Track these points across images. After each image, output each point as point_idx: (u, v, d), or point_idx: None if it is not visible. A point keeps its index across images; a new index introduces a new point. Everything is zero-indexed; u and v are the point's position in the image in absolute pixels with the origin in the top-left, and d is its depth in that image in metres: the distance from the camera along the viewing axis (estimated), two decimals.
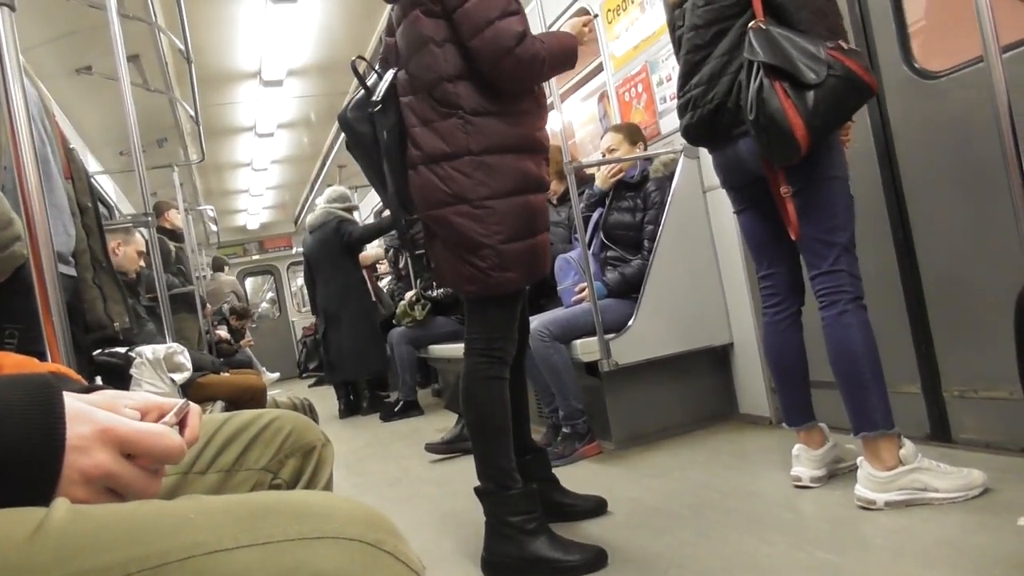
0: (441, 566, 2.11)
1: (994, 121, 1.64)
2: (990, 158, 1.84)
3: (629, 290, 3.23)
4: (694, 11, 2.15)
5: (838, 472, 2.27)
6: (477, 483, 2.02)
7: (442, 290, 5.10)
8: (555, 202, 3.87)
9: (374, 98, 2.02)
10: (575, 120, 5.51)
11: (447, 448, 3.65)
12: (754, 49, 1.94)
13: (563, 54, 1.98)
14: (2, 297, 1.52)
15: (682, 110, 2.26)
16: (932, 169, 2.36)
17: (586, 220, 3.39)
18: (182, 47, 4.19)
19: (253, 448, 0.96)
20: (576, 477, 2.65)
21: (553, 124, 3.59)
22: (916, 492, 1.94)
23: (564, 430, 3.15)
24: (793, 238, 2.10)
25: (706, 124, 2.18)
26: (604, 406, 3.23)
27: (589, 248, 3.24)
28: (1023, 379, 1.30)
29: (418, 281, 5.54)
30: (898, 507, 1.93)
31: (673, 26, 2.31)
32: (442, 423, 4.37)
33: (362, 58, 2.12)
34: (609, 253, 3.36)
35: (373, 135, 2.02)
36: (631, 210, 3.35)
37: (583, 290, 3.24)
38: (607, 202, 3.41)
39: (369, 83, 2.07)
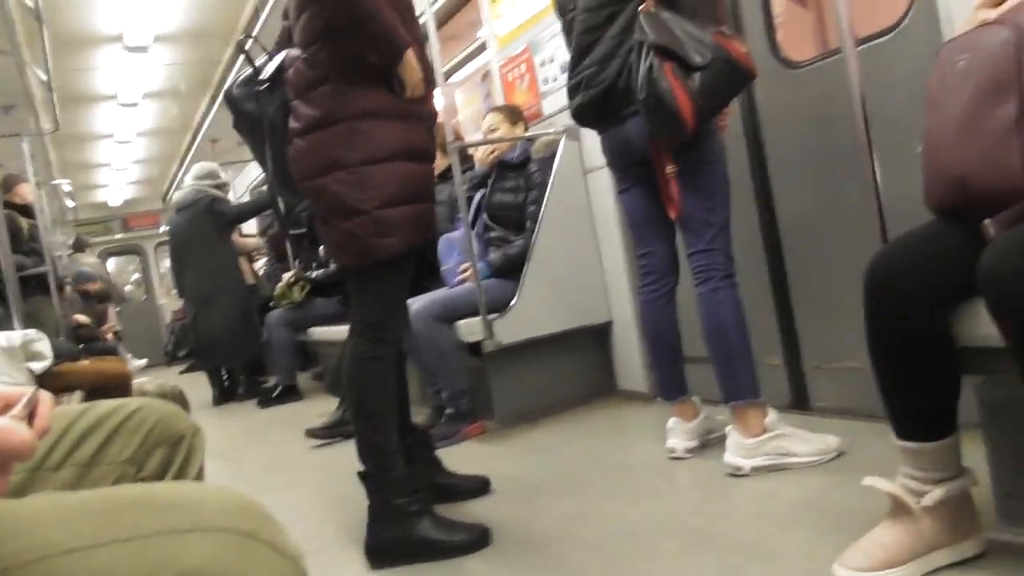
0: (324, 553, 2.08)
1: (848, 109, 1.75)
2: (846, 144, 1.95)
3: (512, 270, 3.25)
4: None
5: (709, 442, 2.37)
6: (358, 466, 1.99)
7: (322, 271, 4.98)
8: (436, 180, 3.83)
9: (261, 76, 1.96)
10: (459, 100, 5.49)
11: (328, 433, 3.58)
12: (644, 31, 1.99)
13: (390, 36, 1.85)
14: None
15: (573, 90, 2.28)
16: (795, 154, 2.49)
17: (469, 201, 3.38)
18: (31, 3, 3.85)
19: (115, 440, 0.91)
20: (460, 457, 2.66)
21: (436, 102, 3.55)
22: (779, 457, 2.06)
23: (448, 411, 3.15)
24: (673, 217, 2.17)
25: (597, 104, 2.20)
26: (487, 386, 3.25)
27: (472, 228, 3.24)
28: (871, 350, 1.39)
29: (297, 261, 5.39)
30: (763, 472, 2.05)
31: (563, 8, 2.33)
32: (323, 408, 4.28)
33: (251, 37, 2.06)
34: (492, 233, 3.37)
35: (259, 114, 1.97)
36: (514, 190, 3.36)
37: (466, 270, 3.24)
38: (490, 182, 3.42)
39: (259, 64, 2.01)
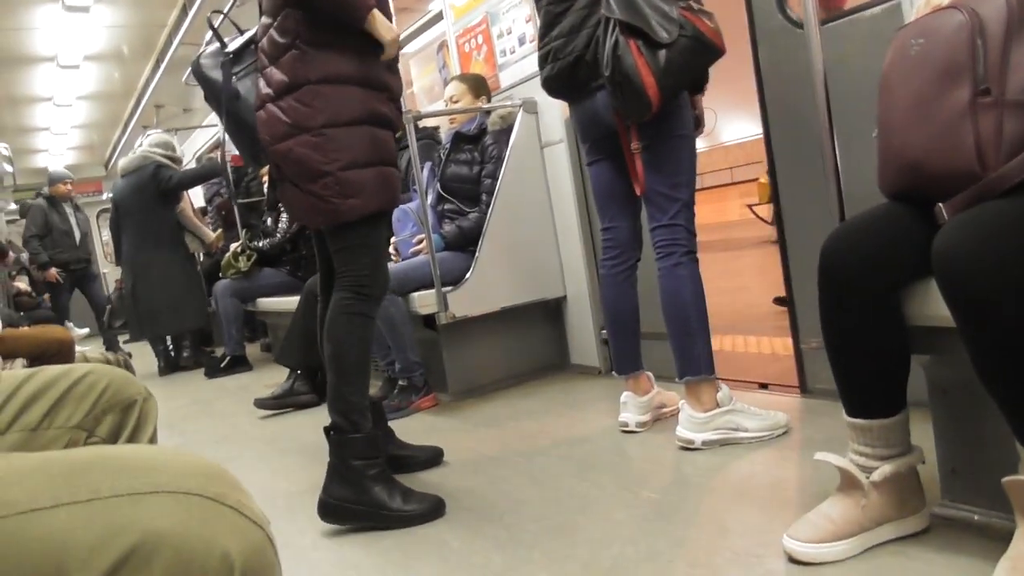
0: (273, 525, 2.03)
1: (812, 89, 1.74)
2: (850, 107, 1.91)
3: (466, 243, 3.23)
4: None
5: (661, 417, 2.41)
6: (308, 437, 1.98)
7: (268, 240, 4.89)
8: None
9: (228, 49, 2.00)
10: (414, 71, 5.40)
11: (277, 404, 3.54)
12: (611, 6, 1.97)
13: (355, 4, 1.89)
14: None
15: (542, 61, 2.26)
16: (797, 116, 2.37)
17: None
18: None
19: (64, 405, 0.88)
20: (413, 429, 2.65)
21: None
22: (730, 432, 2.10)
23: (401, 383, 3.14)
24: (638, 193, 2.18)
25: (565, 76, 2.18)
26: (441, 358, 3.24)
27: (427, 200, 3.21)
28: (823, 329, 1.42)
29: (244, 231, 5.28)
30: (713, 446, 2.09)
31: None
32: (272, 378, 4.22)
33: (219, 12, 2.11)
34: (446, 206, 3.34)
35: (223, 86, 2.00)
36: (468, 163, 3.33)
37: (421, 242, 3.21)
38: (444, 154, 3.38)
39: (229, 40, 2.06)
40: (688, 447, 2.11)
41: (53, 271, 6.70)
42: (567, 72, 2.17)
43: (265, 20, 1.97)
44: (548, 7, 2.20)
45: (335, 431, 1.96)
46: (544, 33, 2.23)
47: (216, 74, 2.02)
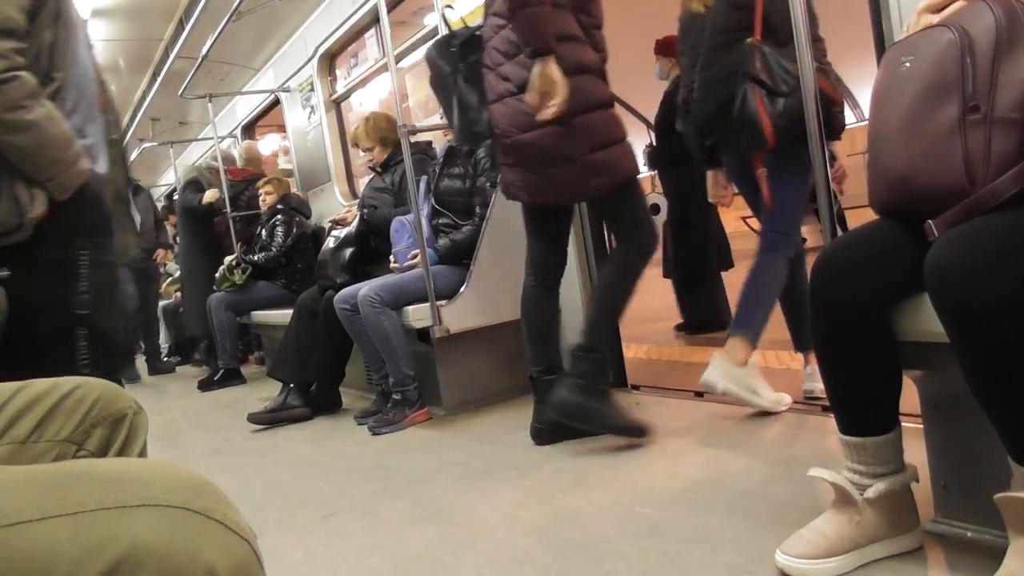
0: (264, 539, 2.03)
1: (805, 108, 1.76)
2: None
3: (460, 256, 3.23)
4: (715, 20, 2.46)
5: (671, 431, 2.41)
6: (301, 451, 2.01)
7: (264, 254, 4.89)
8: (379, 169, 3.81)
9: (456, 40, 2.33)
10: (409, 85, 5.42)
11: (271, 417, 3.53)
12: (745, 61, 2.30)
13: (534, 30, 2.10)
14: (69, 215, 1.49)
15: (694, 102, 2.55)
16: None
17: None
18: None
19: (53, 418, 0.87)
20: (406, 444, 2.64)
21: (384, 88, 3.48)
22: (747, 391, 2.43)
23: (394, 397, 3.13)
24: (768, 206, 2.51)
25: (711, 116, 2.47)
26: (434, 372, 3.23)
27: (422, 213, 3.21)
28: (816, 345, 1.42)
29: (239, 245, 5.28)
30: (729, 395, 2.41)
31: (687, 30, 2.58)
32: (265, 392, 4.21)
33: (450, 7, 2.46)
34: (441, 220, 3.34)
35: (449, 71, 2.34)
36: (461, 176, 3.34)
37: (416, 256, 3.21)
38: (437, 168, 3.39)
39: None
40: (709, 390, 2.45)
41: None
42: (714, 112, 2.45)
43: (497, 20, 2.25)
44: (706, 54, 2.45)
45: (585, 351, 2.35)
46: (700, 75, 2.49)
47: (442, 63, 2.36)
